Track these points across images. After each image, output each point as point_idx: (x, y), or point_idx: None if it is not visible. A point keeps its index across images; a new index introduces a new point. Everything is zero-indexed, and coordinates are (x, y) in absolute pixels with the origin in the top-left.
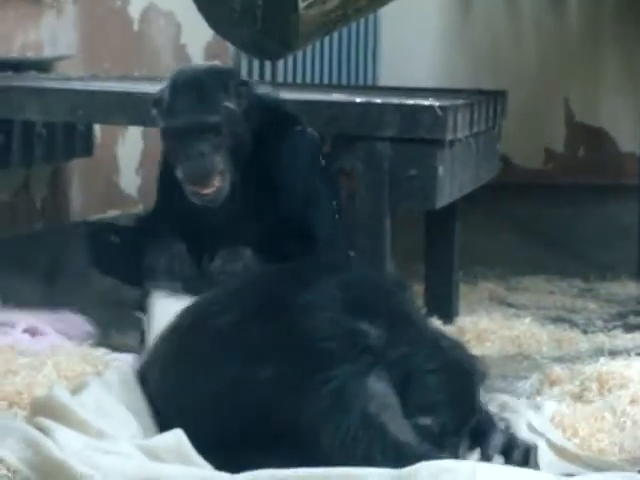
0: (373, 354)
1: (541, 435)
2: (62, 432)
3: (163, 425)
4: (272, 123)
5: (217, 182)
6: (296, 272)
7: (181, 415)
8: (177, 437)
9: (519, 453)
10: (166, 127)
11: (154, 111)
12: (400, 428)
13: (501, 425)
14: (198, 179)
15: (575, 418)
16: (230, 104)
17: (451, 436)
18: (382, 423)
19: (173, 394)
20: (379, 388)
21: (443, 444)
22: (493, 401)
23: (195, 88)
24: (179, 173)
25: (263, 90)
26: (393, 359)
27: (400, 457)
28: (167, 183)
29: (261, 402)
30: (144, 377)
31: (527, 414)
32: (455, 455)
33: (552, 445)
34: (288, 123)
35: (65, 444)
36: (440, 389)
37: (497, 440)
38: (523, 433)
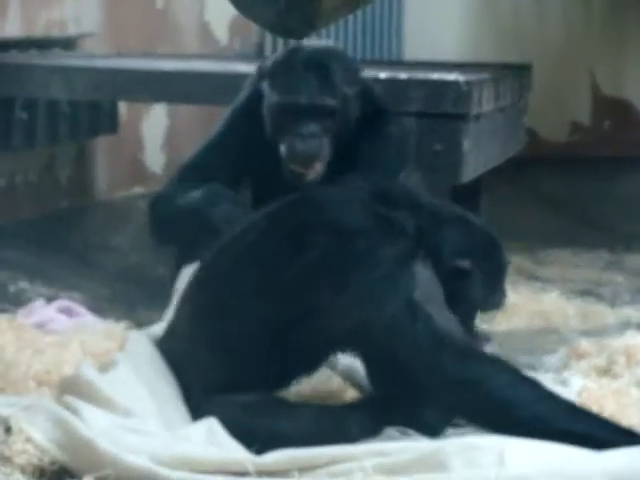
0: (413, 240)
1: None
2: (90, 411)
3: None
4: (371, 111)
5: (319, 166)
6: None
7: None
8: (209, 423)
9: None
10: (283, 102)
11: (263, 83)
12: (444, 317)
13: None
14: (304, 160)
15: (601, 393)
16: (347, 89)
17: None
18: (427, 311)
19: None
20: (424, 275)
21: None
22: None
23: (318, 67)
24: (283, 149)
25: (365, 78)
26: (431, 244)
27: (443, 346)
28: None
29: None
30: (165, 347)
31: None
32: None
33: None
34: (386, 113)
35: (93, 423)
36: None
37: None
38: None
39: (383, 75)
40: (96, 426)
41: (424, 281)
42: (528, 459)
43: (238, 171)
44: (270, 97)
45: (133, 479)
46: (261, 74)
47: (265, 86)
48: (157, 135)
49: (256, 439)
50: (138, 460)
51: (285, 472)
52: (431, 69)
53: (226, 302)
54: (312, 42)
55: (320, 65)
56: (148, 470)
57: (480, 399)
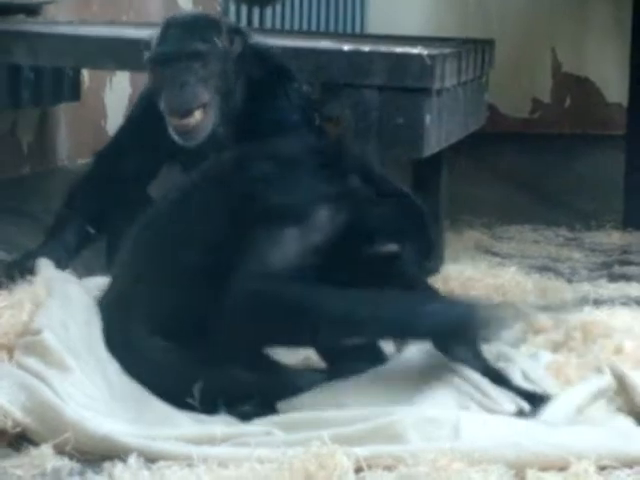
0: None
1: (536, 384)
2: (52, 374)
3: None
4: (266, 76)
5: (198, 115)
6: None
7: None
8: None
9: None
10: (154, 56)
11: (145, 53)
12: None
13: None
14: (178, 106)
15: (568, 367)
16: (220, 42)
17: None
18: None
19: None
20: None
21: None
22: (489, 350)
23: (186, 24)
24: (162, 104)
25: (260, 41)
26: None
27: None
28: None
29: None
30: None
31: (522, 363)
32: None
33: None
34: (282, 77)
35: (57, 387)
36: (400, 223)
37: None
38: (518, 381)
39: (346, 47)
40: (61, 390)
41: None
42: (483, 432)
43: (156, 153)
44: (147, 62)
45: (93, 445)
46: (145, 46)
47: (146, 55)
48: (119, 103)
49: None
50: (101, 427)
51: (242, 442)
52: (394, 43)
53: (160, 253)
54: (187, 11)
55: (190, 22)
56: (109, 437)
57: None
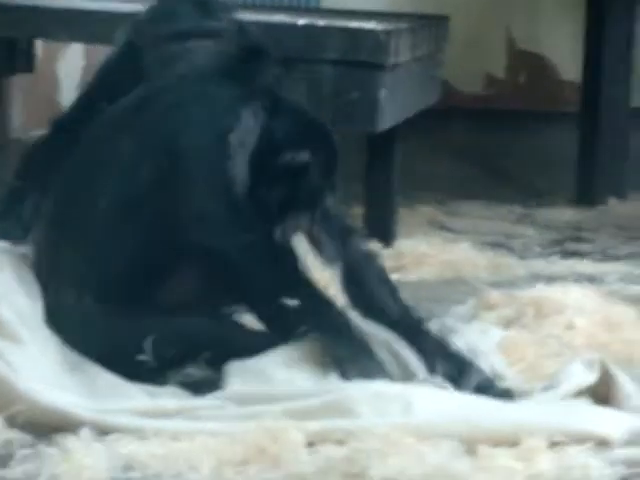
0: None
1: (484, 358)
2: (4, 346)
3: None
4: (244, 55)
5: None
6: None
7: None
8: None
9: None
10: (169, 32)
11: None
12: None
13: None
14: None
15: (521, 344)
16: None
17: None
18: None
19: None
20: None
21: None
22: (434, 323)
23: (197, 2)
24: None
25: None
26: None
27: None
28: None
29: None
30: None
31: (471, 337)
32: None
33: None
34: (264, 55)
35: (9, 359)
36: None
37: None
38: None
39: (301, 22)
40: (14, 363)
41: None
42: (435, 407)
43: None
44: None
45: (45, 418)
46: (137, 28)
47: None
48: (73, 75)
49: None
50: (53, 400)
51: (195, 415)
52: (349, 18)
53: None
54: None
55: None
56: (61, 410)
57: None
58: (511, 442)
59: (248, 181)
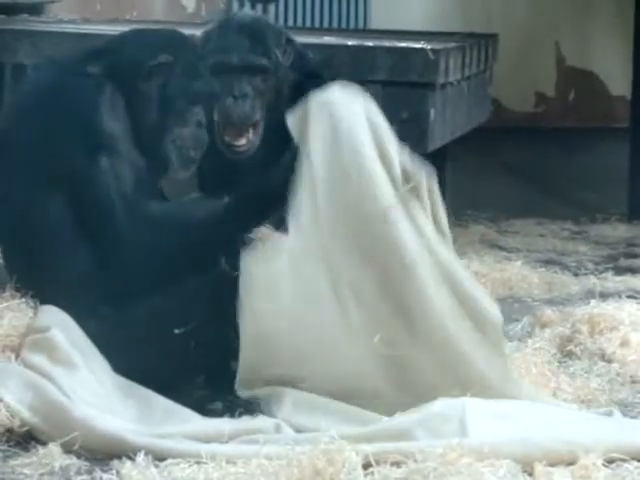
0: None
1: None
2: (59, 372)
3: None
4: (305, 81)
5: (251, 134)
6: None
7: None
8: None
9: None
10: (214, 62)
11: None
12: None
13: None
14: (237, 120)
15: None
16: (280, 55)
17: None
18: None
19: None
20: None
21: None
22: None
23: (249, 30)
24: (216, 115)
25: (301, 49)
26: None
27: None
28: None
29: None
30: None
31: None
32: None
33: None
34: (321, 82)
35: (64, 385)
36: None
37: None
38: None
39: (350, 43)
40: (67, 388)
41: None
42: (490, 428)
43: None
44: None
45: (100, 444)
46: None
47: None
48: None
49: None
50: (108, 425)
51: (252, 438)
52: (398, 37)
53: None
54: (244, 12)
55: (252, 27)
56: (116, 435)
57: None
58: (568, 460)
59: None
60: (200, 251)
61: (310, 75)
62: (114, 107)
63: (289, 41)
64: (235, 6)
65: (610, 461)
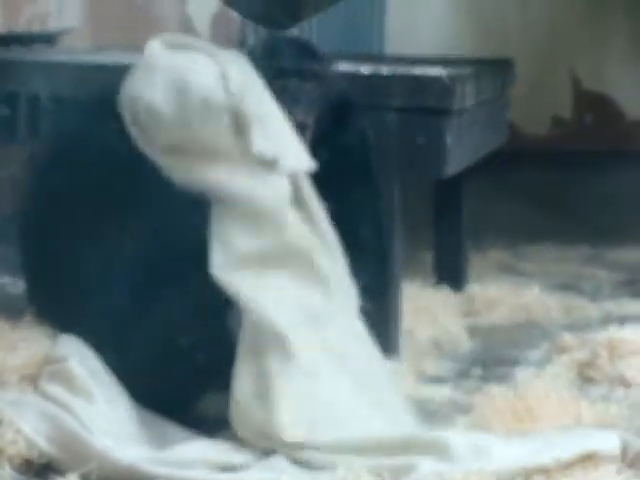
0: None
1: None
2: (77, 402)
3: None
4: (338, 107)
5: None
6: None
7: None
8: None
9: None
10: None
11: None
12: None
13: None
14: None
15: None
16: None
17: None
18: None
19: None
20: None
21: None
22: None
23: (298, 42)
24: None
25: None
26: None
27: None
28: None
29: None
30: None
31: None
32: None
33: None
34: (352, 107)
35: (82, 415)
36: None
37: None
38: None
39: (365, 70)
40: (85, 419)
41: None
42: (507, 453)
43: None
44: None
45: (119, 474)
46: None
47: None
48: None
49: None
50: (126, 456)
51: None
52: (413, 64)
53: None
54: (282, 34)
55: (300, 44)
56: (134, 466)
57: None
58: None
59: None
60: None
61: (344, 101)
62: None
63: (326, 58)
64: (250, 35)
65: None
